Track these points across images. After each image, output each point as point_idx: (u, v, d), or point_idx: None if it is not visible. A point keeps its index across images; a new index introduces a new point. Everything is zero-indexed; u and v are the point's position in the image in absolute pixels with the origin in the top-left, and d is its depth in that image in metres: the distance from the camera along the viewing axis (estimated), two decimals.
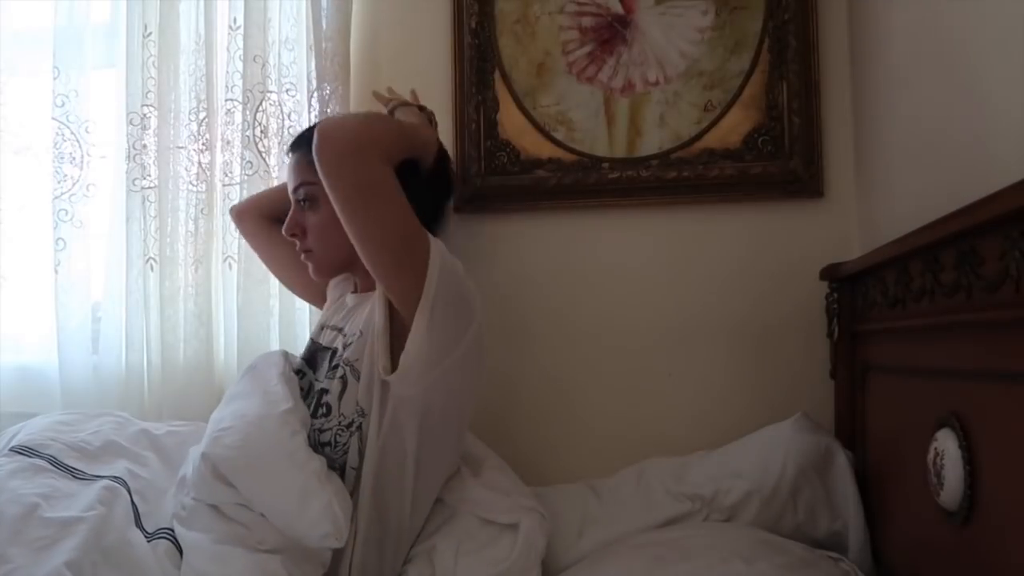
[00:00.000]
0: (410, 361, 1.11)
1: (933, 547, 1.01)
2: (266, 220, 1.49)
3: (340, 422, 1.19)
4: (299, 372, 1.30)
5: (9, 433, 1.29)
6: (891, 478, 1.20)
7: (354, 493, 1.17)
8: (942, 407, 0.96)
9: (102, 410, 1.44)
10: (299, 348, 1.59)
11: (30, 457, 1.19)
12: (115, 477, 1.19)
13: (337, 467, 1.18)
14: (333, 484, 1.12)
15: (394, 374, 1.12)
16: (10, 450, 1.21)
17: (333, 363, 1.23)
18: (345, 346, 1.23)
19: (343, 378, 1.20)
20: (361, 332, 1.21)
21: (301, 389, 1.25)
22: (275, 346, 1.61)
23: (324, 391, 1.22)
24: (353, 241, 1.15)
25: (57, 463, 1.20)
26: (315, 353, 1.30)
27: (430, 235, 1.16)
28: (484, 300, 1.23)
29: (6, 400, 1.67)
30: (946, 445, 0.92)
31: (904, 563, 1.15)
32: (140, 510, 1.16)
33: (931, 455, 0.96)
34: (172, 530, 1.13)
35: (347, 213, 1.13)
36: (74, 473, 1.19)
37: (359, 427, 1.17)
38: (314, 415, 1.21)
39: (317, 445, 1.18)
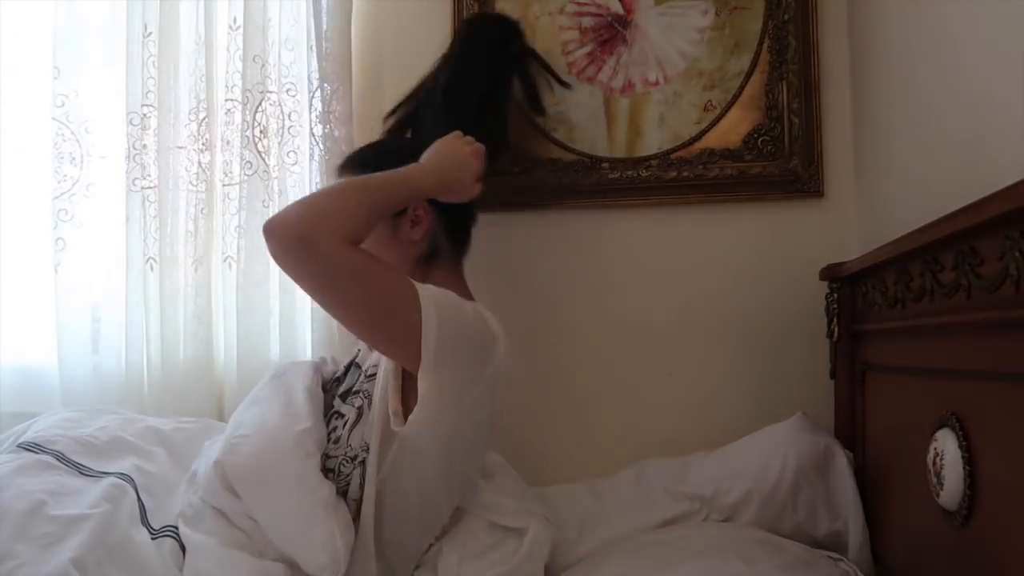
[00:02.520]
0: (420, 418, 1.07)
1: (933, 547, 1.01)
2: None
3: (346, 453, 1.16)
4: (336, 380, 1.27)
5: (19, 430, 1.30)
6: (891, 478, 1.20)
7: (354, 523, 1.13)
8: (942, 407, 0.95)
9: (109, 407, 1.45)
10: (298, 349, 1.60)
11: (37, 453, 1.19)
12: (122, 474, 1.19)
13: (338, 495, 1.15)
14: (339, 515, 1.09)
15: (404, 427, 1.09)
16: (18, 446, 1.21)
17: (355, 387, 1.21)
18: (367, 376, 1.20)
19: (360, 408, 1.17)
20: (379, 365, 1.18)
21: (326, 408, 1.23)
22: (274, 346, 1.61)
23: (340, 415, 1.20)
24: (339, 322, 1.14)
25: (63, 459, 1.20)
26: (351, 366, 1.27)
27: (420, 288, 1.07)
28: (505, 334, 1.16)
29: (6, 400, 1.67)
30: (946, 445, 0.92)
31: (904, 563, 1.15)
32: (147, 506, 1.16)
33: (931, 455, 0.96)
34: (177, 528, 1.13)
35: (318, 300, 1.13)
36: (80, 469, 1.19)
37: (362, 462, 1.14)
38: (328, 438, 1.18)
39: (323, 470, 1.15)
